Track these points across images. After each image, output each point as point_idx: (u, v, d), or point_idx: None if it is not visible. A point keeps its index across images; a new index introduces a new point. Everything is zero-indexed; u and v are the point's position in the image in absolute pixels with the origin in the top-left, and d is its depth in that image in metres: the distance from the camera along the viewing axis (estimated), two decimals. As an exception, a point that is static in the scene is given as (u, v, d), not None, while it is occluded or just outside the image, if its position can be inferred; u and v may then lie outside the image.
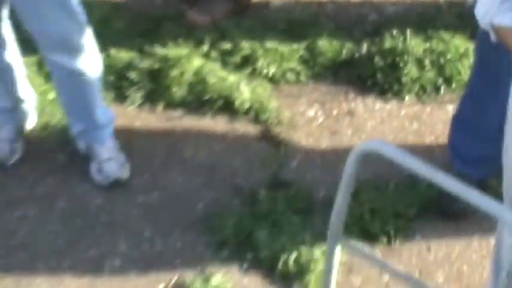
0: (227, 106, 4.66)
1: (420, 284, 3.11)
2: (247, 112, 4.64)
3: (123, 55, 4.81)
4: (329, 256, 2.88)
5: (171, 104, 4.68)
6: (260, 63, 4.76)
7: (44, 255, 4.03)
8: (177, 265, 4.03)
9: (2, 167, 4.34)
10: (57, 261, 4.01)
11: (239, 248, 4.09)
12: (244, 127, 4.62)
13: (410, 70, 4.71)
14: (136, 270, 3.99)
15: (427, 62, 4.77)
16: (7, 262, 4.00)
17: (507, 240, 3.27)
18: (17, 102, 4.29)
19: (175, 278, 3.96)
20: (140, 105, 4.69)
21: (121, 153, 4.29)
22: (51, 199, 4.27)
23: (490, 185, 3.76)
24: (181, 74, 4.66)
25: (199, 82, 4.65)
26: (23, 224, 4.16)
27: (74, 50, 3.83)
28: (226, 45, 4.86)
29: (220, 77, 4.65)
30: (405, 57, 4.74)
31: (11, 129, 4.33)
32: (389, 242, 4.09)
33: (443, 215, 4.20)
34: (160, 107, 4.70)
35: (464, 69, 4.75)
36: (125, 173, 4.26)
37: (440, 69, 4.81)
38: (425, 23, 5.04)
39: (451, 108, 4.56)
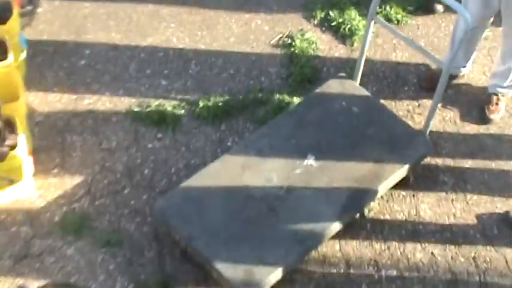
0: None
1: (414, 43, 3.76)
2: None
3: None
4: (367, 27, 3.54)
5: None
6: None
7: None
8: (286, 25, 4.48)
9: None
10: None
11: (322, 20, 4.53)
12: None
13: None
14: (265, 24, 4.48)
15: None
16: None
17: (460, 24, 3.76)
18: None
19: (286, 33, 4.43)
20: None
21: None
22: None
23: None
24: None
25: None
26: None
27: None
28: None
29: None
30: None
31: None
32: (398, 23, 4.50)
33: (428, 11, 4.61)
34: None
35: None
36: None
37: None
38: None
39: None
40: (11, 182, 3.29)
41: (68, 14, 4.37)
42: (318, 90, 3.66)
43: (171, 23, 4.37)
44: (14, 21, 3.65)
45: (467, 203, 3.64)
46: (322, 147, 3.40)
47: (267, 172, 3.27)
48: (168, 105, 3.90)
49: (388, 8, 4.47)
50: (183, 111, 3.90)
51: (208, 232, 3.08)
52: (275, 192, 3.21)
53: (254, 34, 4.33)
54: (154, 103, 3.91)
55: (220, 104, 3.91)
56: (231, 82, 4.04)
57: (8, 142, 3.21)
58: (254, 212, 3.15)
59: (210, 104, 3.90)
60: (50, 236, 3.37)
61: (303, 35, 4.30)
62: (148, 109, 3.88)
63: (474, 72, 4.20)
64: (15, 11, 3.70)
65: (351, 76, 3.74)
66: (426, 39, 4.43)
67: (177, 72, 4.09)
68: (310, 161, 3.32)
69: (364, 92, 3.64)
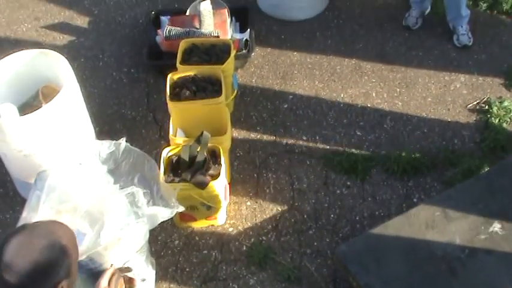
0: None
1: None
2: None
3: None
4: None
5: None
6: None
7: None
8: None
9: (409, 29, 4.73)
10: None
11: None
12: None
13: None
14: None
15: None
16: None
17: None
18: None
19: (484, 99, 4.27)
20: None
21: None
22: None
23: None
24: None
25: None
26: None
27: None
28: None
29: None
30: None
31: (419, 11, 4.68)
32: None
33: None
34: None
35: None
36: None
37: None
38: None
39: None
40: (209, 208, 3.45)
41: (277, 61, 4.56)
42: (512, 159, 3.50)
43: (372, 78, 4.41)
44: (230, 63, 3.87)
45: None
46: (510, 216, 3.24)
47: (450, 233, 3.21)
48: (360, 156, 3.92)
49: None
50: (373, 163, 3.90)
51: (386, 283, 3.05)
52: (456, 253, 3.14)
53: (451, 96, 4.27)
54: (347, 152, 3.95)
55: (410, 160, 3.87)
56: (424, 141, 4.00)
57: (211, 172, 3.38)
58: (433, 270, 3.09)
59: (400, 159, 3.88)
60: (236, 263, 3.49)
61: (501, 102, 4.17)
62: (340, 157, 3.93)
63: None
64: (233, 53, 3.90)
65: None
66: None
67: (372, 125, 4.11)
68: (496, 229, 3.20)
69: None
